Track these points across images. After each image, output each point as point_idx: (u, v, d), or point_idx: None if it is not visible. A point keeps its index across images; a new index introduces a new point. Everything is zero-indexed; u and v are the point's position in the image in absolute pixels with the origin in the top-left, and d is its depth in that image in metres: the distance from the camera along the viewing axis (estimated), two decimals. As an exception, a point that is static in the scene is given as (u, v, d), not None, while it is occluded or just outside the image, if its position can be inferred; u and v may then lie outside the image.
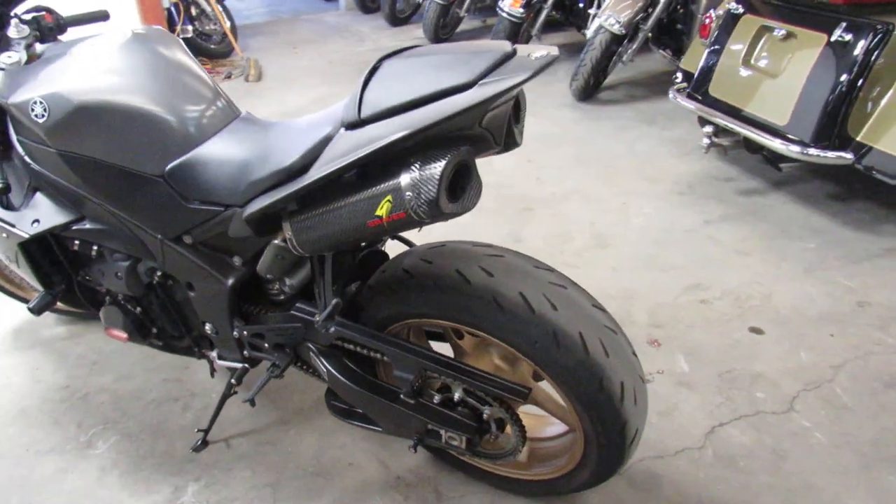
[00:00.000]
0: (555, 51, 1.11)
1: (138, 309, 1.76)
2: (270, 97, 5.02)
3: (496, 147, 1.21)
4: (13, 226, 1.60)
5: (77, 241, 1.67)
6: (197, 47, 5.64)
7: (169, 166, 1.43)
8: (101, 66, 1.49)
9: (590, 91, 4.48)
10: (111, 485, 1.82)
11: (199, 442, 1.89)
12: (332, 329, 1.48)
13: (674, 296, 2.48)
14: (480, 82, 1.08)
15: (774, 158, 2.99)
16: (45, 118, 1.46)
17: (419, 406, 1.52)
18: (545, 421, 1.69)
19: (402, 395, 1.51)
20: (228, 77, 5.49)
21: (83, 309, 1.97)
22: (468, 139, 1.15)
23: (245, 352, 1.70)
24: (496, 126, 1.17)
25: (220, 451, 1.91)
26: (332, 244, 1.27)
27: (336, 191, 1.22)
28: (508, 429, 1.52)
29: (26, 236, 1.58)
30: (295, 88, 5.19)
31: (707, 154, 3.29)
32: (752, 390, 2.03)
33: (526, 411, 1.66)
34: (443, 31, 6.07)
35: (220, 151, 1.42)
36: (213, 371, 1.91)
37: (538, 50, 1.12)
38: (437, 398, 1.53)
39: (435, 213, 1.11)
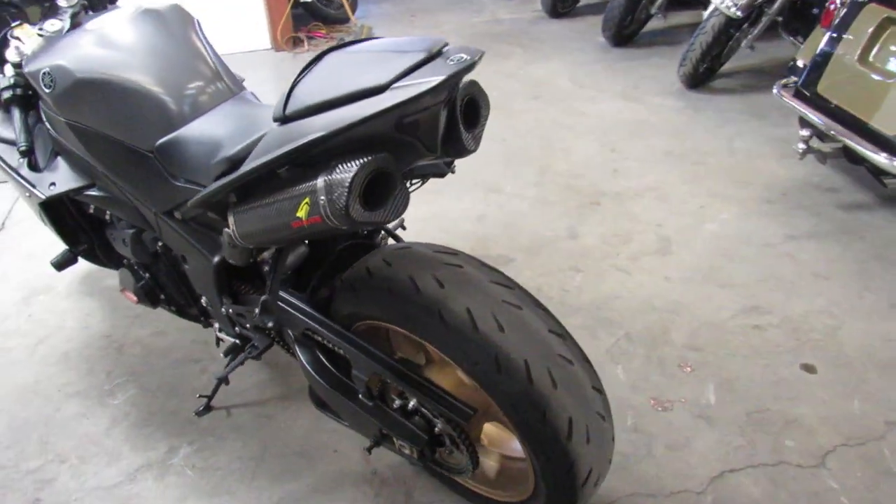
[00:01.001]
0: (477, 55, 1.01)
1: (147, 275, 1.84)
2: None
3: (430, 154, 1.13)
4: (34, 186, 1.71)
5: (91, 206, 1.77)
6: (315, 12, 5.77)
7: (158, 142, 1.46)
8: (106, 40, 1.54)
9: (700, 78, 4.13)
10: (117, 436, 1.93)
11: (202, 407, 1.97)
12: (270, 323, 1.47)
13: (725, 317, 2.25)
14: (393, 86, 1.00)
15: (878, 173, 2.61)
16: (51, 89, 1.53)
17: (375, 409, 1.48)
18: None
19: (360, 395, 1.48)
20: (340, 43, 5.58)
21: (106, 267, 2.09)
22: (394, 144, 1.08)
23: (236, 328, 1.73)
24: (426, 132, 1.09)
25: (219, 418, 1.97)
26: (268, 240, 1.24)
27: (270, 186, 1.18)
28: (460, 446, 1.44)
29: (43, 197, 1.69)
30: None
31: (804, 160, 2.94)
32: (782, 436, 1.81)
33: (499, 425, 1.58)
34: (626, 29, 4.99)
35: (202, 131, 1.43)
36: (218, 341, 1.97)
37: (465, 51, 1.02)
38: (396, 403, 1.49)
39: (347, 221, 1.06)
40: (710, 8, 3.86)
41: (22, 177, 1.73)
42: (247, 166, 1.14)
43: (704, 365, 2.06)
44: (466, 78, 1.11)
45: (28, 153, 1.66)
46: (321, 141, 1.03)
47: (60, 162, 1.71)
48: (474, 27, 5.93)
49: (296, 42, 5.54)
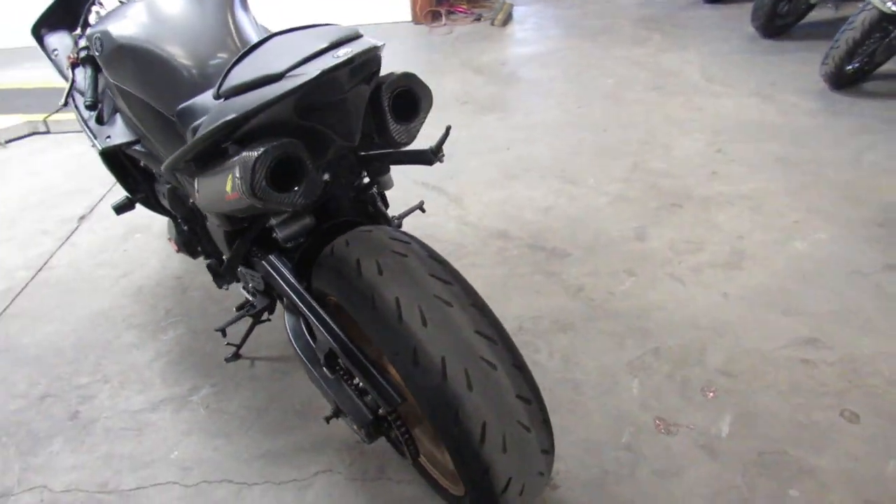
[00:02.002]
0: (375, 43, 1.00)
1: (185, 227, 2.01)
2: (492, 47, 5.04)
3: (347, 143, 1.14)
4: (95, 137, 1.92)
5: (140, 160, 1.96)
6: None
7: (179, 108, 1.59)
8: (151, 11, 1.68)
9: (847, 78, 3.69)
10: (155, 368, 2.15)
11: (231, 355, 2.13)
12: (256, 284, 1.55)
13: (773, 345, 2.05)
14: (288, 74, 1.02)
15: None
16: (100, 52, 1.71)
17: (333, 381, 1.53)
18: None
19: (322, 366, 1.54)
20: (477, 20, 5.61)
21: (161, 215, 2.30)
22: (306, 130, 1.10)
23: (250, 286, 1.85)
24: (336, 120, 1.10)
25: (243, 366, 2.13)
26: (217, 210, 1.32)
27: (215, 159, 1.26)
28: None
29: (100, 148, 1.90)
30: (527, 40, 5.13)
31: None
32: (788, 485, 1.64)
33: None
34: (779, 18, 4.50)
35: (210, 99, 1.54)
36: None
37: (358, 44, 1.01)
38: (355, 381, 1.53)
39: (255, 199, 1.10)
40: (865, 2, 3.43)
41: (88, 128, 1.96)
42: (190, 140, 1.22)
43: (730, 393, 1.89)
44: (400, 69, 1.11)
45: (92, 107, 1.86)
46: (225, 126, 1.08)
47: (117, 118, 1.91)
48: (621, 8, 5.69)
49: (434, 16, 5.64)
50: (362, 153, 1.50)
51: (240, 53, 1.20)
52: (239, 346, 2.13)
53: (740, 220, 2.67)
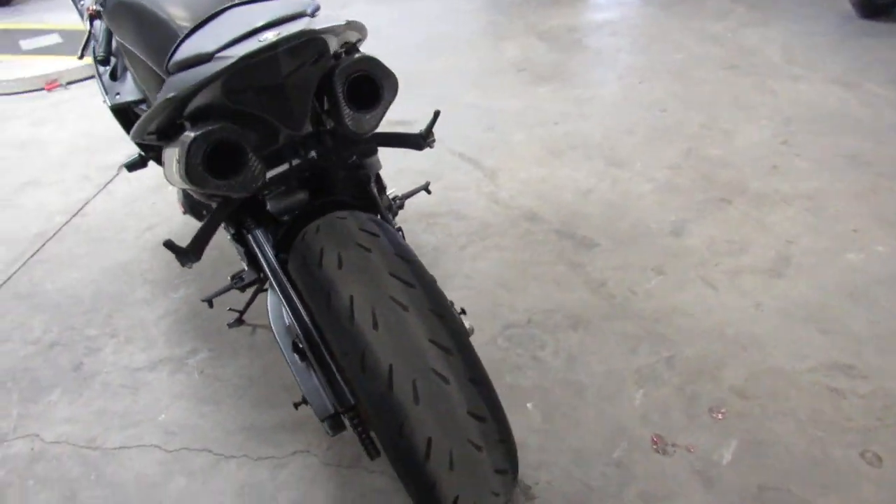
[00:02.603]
0: (316, 26, 0.90)
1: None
2: (562, 12, 4.79)
3: (293, 131, 1.05)
4: (106, 93, 1.91)
5: None
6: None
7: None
8: None
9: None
10: (161, 326, 2.17)
11: (234, 320, 2.12)
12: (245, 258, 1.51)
13: (802, 368, 1.87)
14: (217, 55, 0.94)
15: None
16: (104, 7, 1.67)
17: (302, 368, 1.48)
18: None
19: (294, 350, 1.49)
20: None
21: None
22: (247, 115, 1.03)
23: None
24: (276, 106, 1.01)
25: (245, 333, 2.12)
26: (179, 187, 1.26)
27: (178, 132, 1.19)
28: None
29: (109, 104, 1.88)
30: (600, 5, 4.86)
31: None
32: (785, 527, 1.50)
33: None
34: None
35: None
36: None
37: (299, 24, 0.91)
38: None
39: (191, 184, 1.04)
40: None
41: (101, 83, 1.94)
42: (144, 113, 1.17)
43: (742, 416, 1.74)
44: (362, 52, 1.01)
45: (104, 62, 1.84)
46: (166, 105, 1.01)
47: (127, 75, 1.89)
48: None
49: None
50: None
51: (194, 25, 1.13)
52: (241, 313, 2.11)
53: (793, 223, 2.44)
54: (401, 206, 1.87)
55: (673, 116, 3.23)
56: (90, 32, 1.92)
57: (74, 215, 2.78)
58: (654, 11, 4.63)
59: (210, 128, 1.01)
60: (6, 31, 4.90)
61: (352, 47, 1.31)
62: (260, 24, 0.98)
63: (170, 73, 1.13)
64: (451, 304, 1.51)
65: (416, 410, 1.13)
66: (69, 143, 3.39)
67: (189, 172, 1.02)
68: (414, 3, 5.10)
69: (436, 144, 2.97)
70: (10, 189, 3.04)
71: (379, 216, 1.54)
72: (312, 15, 1.04)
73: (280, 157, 1.37)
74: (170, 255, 2.47)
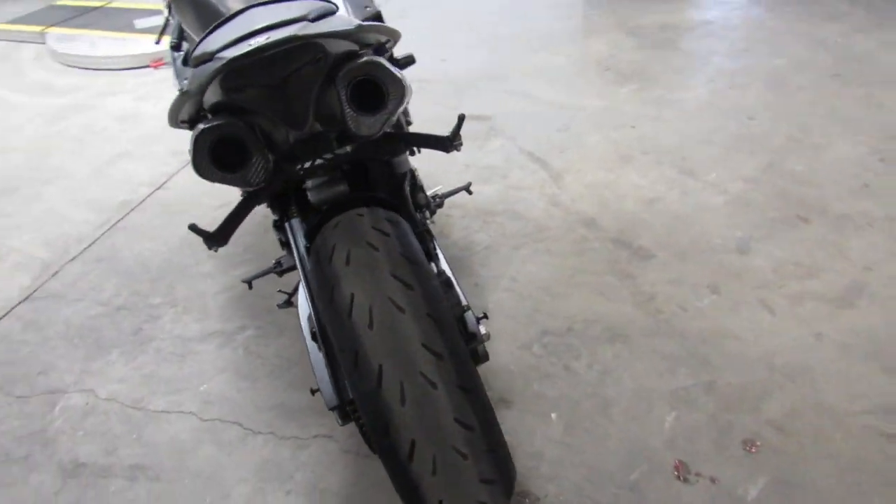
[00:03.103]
0: (316, 30, 0.92)
1: None
2: (660, 8, 4.60)
3: (294, 129, 1.08)
4: (177, 78, 2.02)
5: None
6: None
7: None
8: None
9: None
10: (217, 301, 2.29)
11: (283, 302, 2.20)
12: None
13: (855, 408, 1.74)
14: (217, 56, 0.97)
15: None
16: None
17: (317, 357, 1.52)
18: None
19: (313, 338, 1.53)
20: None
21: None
22: (255, 114, 1.06)
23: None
24: (277, 106, 1.04)
25: (291, 315, 2.20)
26: None
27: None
28: None
29: (178, 89, 1.99)
30: (702, 3, 4.64)
31: None
32: (802, 577, 1.41)
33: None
34: None
35: None
36: None
37: (294, 29, 0.93)
38: None
39: (199, 175, 1.09)
40: None
41: (174, 68, 2.05)
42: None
43: (777, 453, 1.65)
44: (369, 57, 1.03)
45: (175, 48, 1.95)
46: (182, 98, 1.06)
47: (196, 60, 1.99)
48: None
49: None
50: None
51: (218, 21, 1.18)
52: (291, 294, 2.18)
53: (875, 249, 2.27)
54: (439, 205, 1.88)
55: (759, 126, 3.05)
56: (167, 19, 2.03)
57: (157, 188, 2.97)
58: (759, 12, 4.38)
59: (216, 123, 1.06)
60: (123, 10, 5.26)
61: (380, 48, 1.32)
62: (258, 26, 1.01)
63: (193, 67, 1.18)
64: (467, 308, 1.52)
65: (401, 411, 1.14)
66: (164, 119, 3.60)
67: (195, 163, 1.07)
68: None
69: (508, 142, 2.96)
70: (106, 158, 3.28)
71: (405, 214, 1.56)
72: (316, 19, 1.06)
73: (311, 151, 1.41)
74: (238, 234, 2.58)
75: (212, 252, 2.45)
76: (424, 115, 3.35)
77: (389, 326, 1.17)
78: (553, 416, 1.79)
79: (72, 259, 2.55)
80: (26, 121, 3.79)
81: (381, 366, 1.15)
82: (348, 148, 1.55)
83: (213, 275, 2.40)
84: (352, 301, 1.19)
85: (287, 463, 1.73)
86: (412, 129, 2.28)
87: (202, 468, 1.72)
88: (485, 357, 1.52)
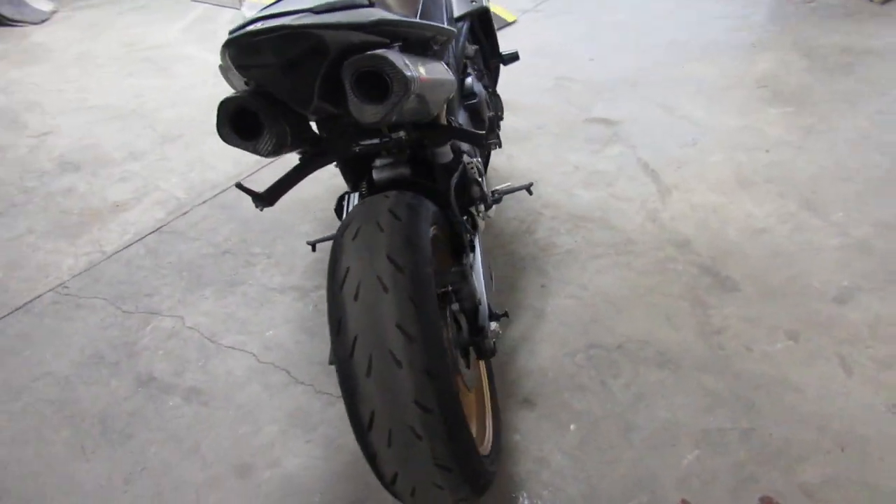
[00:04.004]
0: (312, 21, 1.00)
1: None
2: (846, 28, 4.16)
3: (299, 109, 1.17)
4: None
5: None
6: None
7: None
8: None
9: None
10: (306, 259, 2.49)
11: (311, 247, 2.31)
12: None
13: (905, 493, 1.56)
14: (231, 35, 1.09)
15: None
16: None
17: None
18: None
19: None
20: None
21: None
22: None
23: None
24: (280, 89, 1.14)
25: (319, 260, 2.34)
26: None
27: None
28: None
29: None
30: (904, 24, 4.15)
31: None
32: None
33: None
34: None
35: None
36: None
37: (295, 20, 1.02)
38: None
39: (222, 138, 1.23)
40: None
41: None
42: None
43: (795, 518, 1.53)
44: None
45: None
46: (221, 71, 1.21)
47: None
48: None
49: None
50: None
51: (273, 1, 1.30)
52: (313, 244, 2.31)
53: None
54: (497, 200, 1.90)
55: (915, 168, 2.72)
56: None
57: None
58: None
59: (235, 94, 1.19)
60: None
61: (426, 42, 1.39)
62: (272, 12, 1.11)
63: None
64: (479, 303, 1.55)
65: (365, 383, 1.22)
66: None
67: (217, 128, 1.21)
68: (702, 3, 4.82)
69: (627, 150, 2.89)
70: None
71: (442, 203, 1.63)
72: (326, 10, 1.14)
73: (364, 132, 1.53)
74: (317, 207, 2.79)
75: (317, 216, 2.68)
76: (547, 112, 3.36)
77: (372, 303, 1.24)
78: (572, 427, 1.78)
79: (202, 202, 2.89)
80: (208, 77, 4.27)
81: (356, 337, 1.23)
82: (402, 133, 1.66)
83: (310, 235, 2.61)
84: (346, 273, 1.29)
85: (316, 415, 1.88)
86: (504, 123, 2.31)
87: (245, 403, 1.92)
88: (491, 352, 1.55)
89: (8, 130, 3.59)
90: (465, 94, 2.03)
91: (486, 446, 1.57)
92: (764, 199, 2.61)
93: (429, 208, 1.51)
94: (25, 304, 2.35)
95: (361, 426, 1.24)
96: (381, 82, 1.16)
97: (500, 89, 3.61)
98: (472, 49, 2.17)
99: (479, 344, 1.54)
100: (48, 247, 2.65)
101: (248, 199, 2.67)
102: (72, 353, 2.12)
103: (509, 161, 3.02)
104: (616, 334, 2.05)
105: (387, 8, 1.87)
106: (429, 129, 1.55)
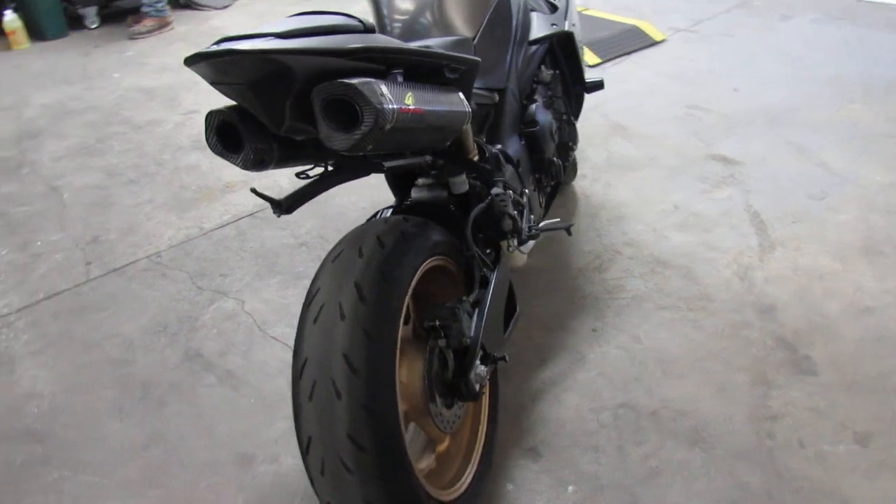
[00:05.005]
0: (277, 46, 1.00)
1: None
2: None
3: (271, 128, 1.17)
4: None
5: None
6: None
7: None
8: None
9: None
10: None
11: None
12: None
13: None
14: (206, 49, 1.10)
15: None
16: None
17: None
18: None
19: None
20: None
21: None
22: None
23: None
24: (256, 104, 1.14)
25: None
26: None
27: None
28: None
29: None
30: None
31: None
32: None
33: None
34: None
35: None
36: None
37: (262, 45, 1.02)
38: None
39: (211, 149, 1.27)
40: None
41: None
42: None
43: None
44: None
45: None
46: None
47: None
48: None
49: None
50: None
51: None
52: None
53: None
54: (534, 236, 1.80)
55: None
56: None
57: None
58: None
59: (219, 108, 1.22)
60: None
61: (434, 70, 1.34)
62: (245, 33, 1.11)
63: None
64: (467, 342, 1.48)
65: (308, 406, 1.22)
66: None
67: (206, 139, 1.25)
68: (886, 35, 4.30)
69: (740, 195, 2.64)
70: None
71: (457, 234, 1.58)
72: (296, 35, 1.11)
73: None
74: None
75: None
76: (666, 143, 3.14)
77: (327, 328, 1.24)
78: (570, 488, 1.66)
79: (300, 194, 3.02)
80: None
81: (306, 359, 1.23)
82: (428, 157, 1.63)
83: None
84: (315, 294, 1.29)
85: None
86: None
87: (269, 395, 1.99)
88: (473, 396, 1.48)
89: (165, 107, 3.98)
90: (526, 121, 1.94)
91: (456, 489, 1.51)
92: (888, 273, 2.26)
93: (430, 238, 1.47)
94: (122, 266, 2.60)
95: (301, 448, 1.24)
96: (353, 110, 1.13)
97: (621, 113, 3.45)
98: (548, 74, 2.07)
99: (458, 386, 1.47)
100: (160, 217, 2.91)
101: (340, 197, 2.77)
102: (143, 319, 2.31)
103: (606, 190, 2.86)
104: (654, 398, 1.87)
105: (445, 27, 1.84)
106: (446, 157, 1.52)
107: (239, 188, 3.09)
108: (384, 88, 1.14)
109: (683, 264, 2.38)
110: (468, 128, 1.50)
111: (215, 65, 1.06)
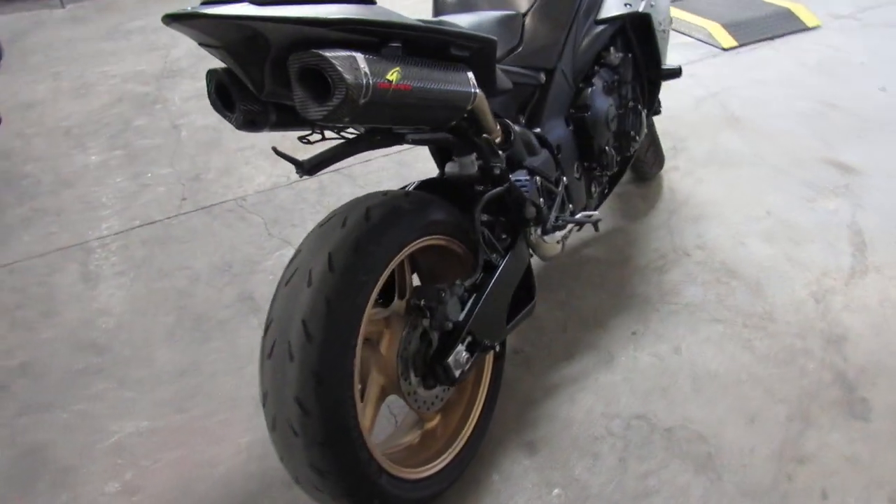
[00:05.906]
0: (246, 12, 1.01)
1: None
2: None
3: (254, 90, 1.18)
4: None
5: None
6: None
7: None
8: None
9: None
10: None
11: None
12: None
13: None
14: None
15: None
16: None
17: None
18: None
19: None
20: None
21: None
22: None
23: None
24: (238, 65, 1.16)
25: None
26: None
27: None
28: None
29: None
30: None
31: None
32: None
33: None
34: None
35: None
36: None
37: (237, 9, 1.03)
38: None
39: (213, 108, 1.32)
40: None
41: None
42: None
43: None
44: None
45: None
46: None
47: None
48: None
49: None
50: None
51: None
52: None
53: None
54: (560, 227, 1.71)
55: None
56: None
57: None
58: None
59: (217, 68, 1.26)
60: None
61: (439, 47, 1.30)
62: None
63: None
64: (453, 329, 1.46)
65: (267, 363, 1.27)
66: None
67: (208, 95, 1.30)
68: None
69: (848, 209, 2.44)
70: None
71: (466, 215, 1.55)
72: (277, 3, 1.10)
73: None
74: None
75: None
76: (779, 140, 2.86)
77: (294, 293, 1.27)
78: (555, 491, 1.61)
79: (386, 154, 3.08)
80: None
81: (272, 319, 1.28)
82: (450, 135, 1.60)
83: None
84: (295, 257, 1.33)
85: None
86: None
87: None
88: (447, 380, 1.46)
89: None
90: (578, 105, 1.85)
91: (425, 469, 1.51)
92: None
93: (426, 217, 1.45)
94: (212, 205, 2.79)
95: (261, 401, 1.30)
96: (327, 81, 1.14)
97: (740, 104, 3.17)
98: (616, 57, 1.94)
99: (435, 369, 1.46)
100: (257, 163, 3.09)
101: (424, 158, 2.78)
102: (213, 257, 2.48)
103: (695, 185, 2.66)
104: (675, 414, 1.76)
105: (498, 0, 1.78)
106: (457, 135, 1.49)
107: (332, 143, 3.19)
108: (362, 62, 1.13)
109: (754, 277, 2.18)
110: (484, 107, 1.45)
111: (191, 26, 1.10)
